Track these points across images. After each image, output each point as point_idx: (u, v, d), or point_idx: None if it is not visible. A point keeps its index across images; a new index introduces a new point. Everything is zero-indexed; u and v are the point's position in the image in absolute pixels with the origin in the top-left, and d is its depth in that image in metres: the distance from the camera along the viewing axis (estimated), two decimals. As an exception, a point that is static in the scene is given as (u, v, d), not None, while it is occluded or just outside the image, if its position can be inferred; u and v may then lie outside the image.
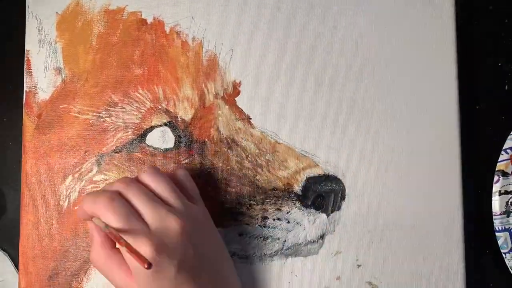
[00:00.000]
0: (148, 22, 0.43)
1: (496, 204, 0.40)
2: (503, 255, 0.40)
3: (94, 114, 0.42)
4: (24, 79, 0.43)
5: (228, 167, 0.41)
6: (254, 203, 0.41)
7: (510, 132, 0.40)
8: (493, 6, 0.44)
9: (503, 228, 0.40)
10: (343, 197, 0.41)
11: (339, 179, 0.41)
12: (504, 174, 0.40)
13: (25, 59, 0.43)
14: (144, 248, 0.32)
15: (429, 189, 0.41)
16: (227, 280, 0.36)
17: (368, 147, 0.41)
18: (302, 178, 0.41)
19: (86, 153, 0.42)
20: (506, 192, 0.40)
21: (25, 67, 0.43)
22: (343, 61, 0.42)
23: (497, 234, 0.40)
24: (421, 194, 0.41)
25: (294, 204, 0.41)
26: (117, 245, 0.34)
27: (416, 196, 0.41)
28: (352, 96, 0.42)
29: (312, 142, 0.41)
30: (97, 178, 0.41)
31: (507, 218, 0.40)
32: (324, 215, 0.41)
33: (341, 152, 0.41)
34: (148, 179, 0.36)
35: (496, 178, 0.40)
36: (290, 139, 0.41)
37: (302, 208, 0.40)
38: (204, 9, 0.43)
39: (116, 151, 0.42)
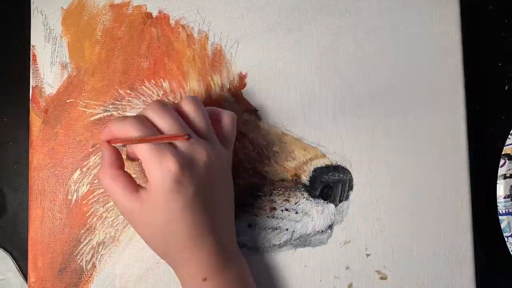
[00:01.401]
0: (153, 16, 0.43)
1: (501, 187, 0.40)
2: (505, 238, 0.40)
3: (101, 108, 0.42)
4: (30, 74, 0.43)
5: (236, 159, 0.41)
6: (262, 194, 0.41)
7: (511, 130, 0.40)
8: (493, 6, 0.44)
9: (507, 211, 0.40)
10: (351, 187, 0.41)
11: (346, 169, 0.41)
12: (511, 158, 0.40)
13: (31, 54, 0.43)
14: (170, 163, 0.32)
15: (437, 177, 0.41)
16: (229, 228, 0.37)
17: (375, 136, 0.41)
18: (309, 168, 0.41)
19: (94, 147, 0.42)
20: (511, 176, 0.40)
21: (31, 62, 0.43)
22: (351, 52, 0.42)
23: (500, 217, 0.40)
24: (428, 182, 0.41)
25: (302, 194, 0.41)
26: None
27: (423, 184, 0.41)
28: (358, 87, 0.42)
29: (319, 132, 0.41)
30: (105, 171, 0.41)
31: (511, 202, 0.40)
32: (332, 205, 0.41)
33: (348, 142, 0.41)
34: (186, 108, 0.36)
35: (502, 161, 0.40)
36: (297, 130, 0.42)
37: (310, 199, 0.41)
38: (209, 2, 0.43)
39: (123, 144, 0.42)
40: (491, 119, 0.43)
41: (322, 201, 0.41)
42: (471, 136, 0.41)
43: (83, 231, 0.41)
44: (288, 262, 0.41)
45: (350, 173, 0.41)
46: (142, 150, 0.33)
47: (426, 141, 0.41)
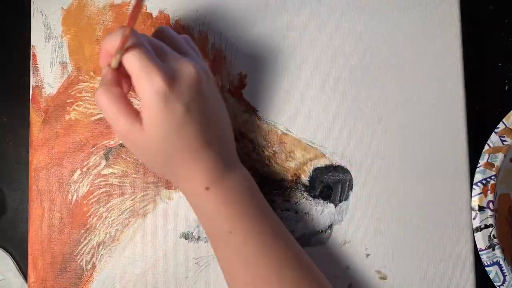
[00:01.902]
0: (154, 16, 0.43)
1: (480, 240, 0.39)
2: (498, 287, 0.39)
3: (101, 108, 0.42)
4: (31, 74, 0.43)
5: (236, 159, 0.41)
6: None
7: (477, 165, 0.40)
8: (493, 6, 0.44)
9: (492, 262, 0.39)
10: (350, 187, 0.41)
11: (346, 169, 0.41)
12: (481, 208, 0.39)
13: (31, 54, 0.43)
14: (156, 79, 0.32)
15: (437, 177, 0.41)
16: (228, 139, 0.38)
17: (375, 136, 0.41)
18: (309, 169, 0.41)
19: (94, 147, 0.42)
20: (486, 226, 0.39)
21: (31, 62, 0.43)
22: (350, 52, 0.42)
23: (487, 269, 0.39)
24: (428, 182, 0.41)
25: (302, 194, 0.41)
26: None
27: (423, 184, 0.41)
28: (358, 86, 0.42)
29: (318, 132, 0.41)
30: (105, 171, 0.42)
31: (493, 252, 0.38)
32: (332, 205, 0.41)
33: (348, 142, 0.41)
34: (163, 35, 0.37)
35: (473, 214, 0.39)
36: (296, 130, 0.42)
37: (310, 199, 0.41)
38: (209, 2, 0.43)
39: (124, 144, 0.42)
40: (491, 119, 0.43)
41: (322, 201, 0.41)
42: (471, 136, 0.41)
43: (83, 231, 0.41)
44: (288, 262, 0.41)
45: (350, 173, 0.41)
46: (133, 67, 0.33)
47: (426, 141, 0.41)
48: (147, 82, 0.32)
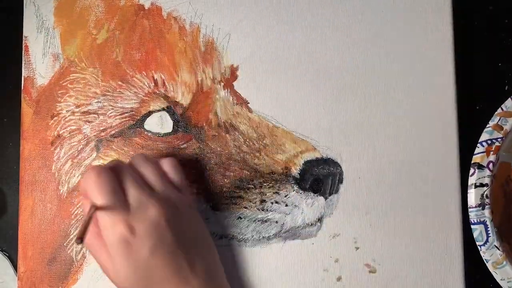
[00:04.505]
0: (146, 8, 0.43)
1: (472, 196, 0.39)
2: (478, 247, 0.39)
3: (93, 99, 0.42)
4: (22, 65, 0.43)
5: (226, 151, 0.41)
6: (252, 186, 0.41)
7: (479, 139, 0.40)
8: (493, 6, 0.44)
9: (478, 220, 0.39)
10: (341, 180, 0.41)
11: (336, 162, 0.41)
12: (480, 166, 0.39)
13: (23, 45, 0.43)
14: (119, 225, 0.33)
15: (427, 172, 0.41)
16: (211, 267, 0.37)
17: (366, 131, 0.41)
18: (300, 161, 0.41)
19: (85, 138, 0.42)
20: (481, 185, 0.39)
21: (23, 53, 0.43)
22: (343, 46, 0.42)
23: (472, 226, 0.39)
24: (419, 176, 0.41)
25: (292, 187, 0.41)
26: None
27: (414, 178, 0.41)
28: (350, 81, 0.42)
29: (310, 125, 0.41)
30: (96, 163, 0.42)
31: (482, 211, 0.39)
32: (322, 198, 0.41)
33: (338, 135, 0.41)
34: (137, 163, 0.37)
35: (472, 170, 0.39)
36: (287, 123, 0.42)
37: (300, 192, 0.41)
38: (201, -6, 0.43)
39: (115, 136, 0.42)
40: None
41: (312, 194, 0.41)
42: (471, 137, 0.40)
43: (73, 221, 0.41)
44: (278, 254, 0.41)
45: (340, 167, 0.41)
46: (100, 215, 0.34)
47: (417, 136, 0.41)
48: (109, 232, 0.34)
